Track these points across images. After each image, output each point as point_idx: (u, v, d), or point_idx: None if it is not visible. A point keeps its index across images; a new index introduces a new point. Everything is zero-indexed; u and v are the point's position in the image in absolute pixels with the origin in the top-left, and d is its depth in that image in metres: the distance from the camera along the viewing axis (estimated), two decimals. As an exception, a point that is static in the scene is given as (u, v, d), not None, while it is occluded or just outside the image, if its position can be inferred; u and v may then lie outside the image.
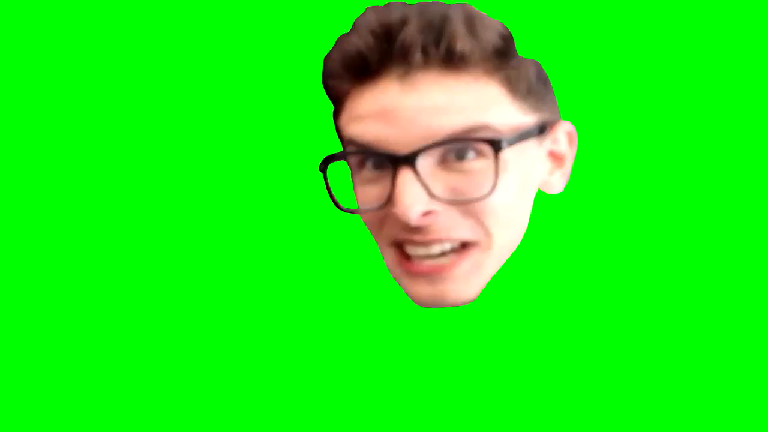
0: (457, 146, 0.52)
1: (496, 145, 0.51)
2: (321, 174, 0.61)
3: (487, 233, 0.55)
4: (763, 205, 0.68)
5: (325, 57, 0.58)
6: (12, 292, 0.78)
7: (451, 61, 0.51)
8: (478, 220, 0.54)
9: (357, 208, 0.58)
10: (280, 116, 0.78)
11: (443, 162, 0.53)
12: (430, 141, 0.51)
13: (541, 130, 0.56)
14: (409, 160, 0.51)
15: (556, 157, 0.60)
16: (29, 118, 0.83)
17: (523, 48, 0.56)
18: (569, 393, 0.60)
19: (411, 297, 0.58)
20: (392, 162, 0.52)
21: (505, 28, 0.54)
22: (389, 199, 0.53)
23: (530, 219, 0.60)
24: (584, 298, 0.63)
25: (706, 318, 0.62)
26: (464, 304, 0.57)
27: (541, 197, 0.63)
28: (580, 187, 0.68)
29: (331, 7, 0.72)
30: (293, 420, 0.64)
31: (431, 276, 0.56)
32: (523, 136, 0.53)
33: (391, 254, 0.59)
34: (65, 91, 0.82)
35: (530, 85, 0.55)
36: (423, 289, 0.57)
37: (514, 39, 0.55)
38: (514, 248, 0.59)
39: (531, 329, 0.61)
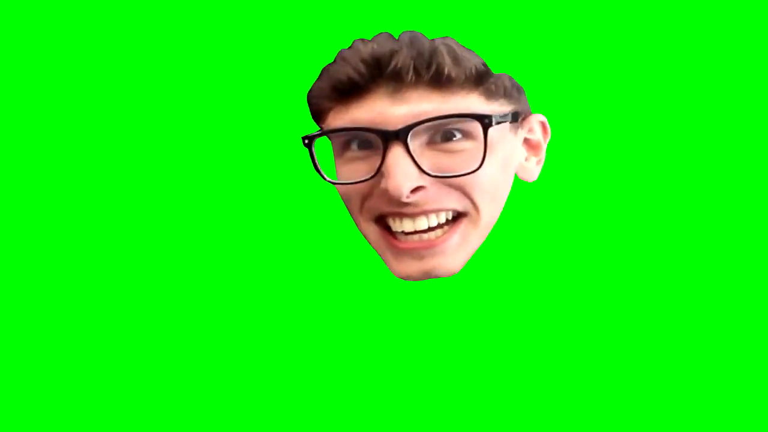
0: (444, 127, 0.57)
1: (485, 120, 0.55)
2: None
3: (475, 206, 0.59)
4: (743, 188, 0.70)
5: (311, 89, 0.61)
6: (12, 292, 0.78)
7: (439, 81, 0.56)
8: (465, 193, 0.58)
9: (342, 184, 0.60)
10: (280, 116, 0.78)
11: (430, 143, 0.58)
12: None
13: (515, 117, 0.61)
14: (399, 135, 0.55)
15: (531, 146, 0.65)
16: (29, 119, 0.83)
17: (499, 61, 0.60)
18: (549, 367, 0.64)
19: (396, 273, 0.61)
20: (384, 138, 0.56)
21: (481, 59, 0.58)
22: (378, 174, 0.57)
23: (508, 209, 0.65)
24: (562, 280, 0.67)
25: (686, 302, 0.66)
26: (450, 275, 0.61)
27: (519, 187, 0.67)
28: (555, 179, 0.71)
29: (330, 6, 0.74)
30: (284, 401, 0.66)
31: (419, 251, 0.60)
32: (504, 117, 0.58)
33: (373, 230, 0.62)
34: (65, 92, 0.82)
35: (506, 91, 0.60)
36: (410, 266, 0.60)
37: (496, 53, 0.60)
38: (492, 226, 0.63)
39: (510, 299, 0.65)
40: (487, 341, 0.65)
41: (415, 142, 0.57)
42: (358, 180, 0.59)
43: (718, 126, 0.72)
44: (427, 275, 0.61)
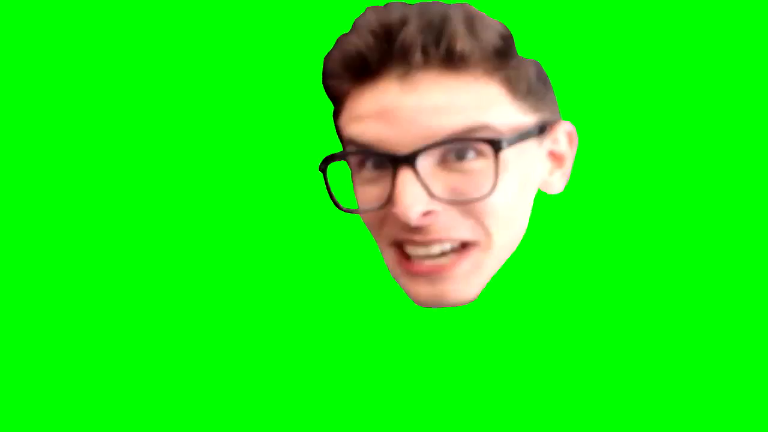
0: (457, 146, 0.52)
1: (496, 145, 0.51)
2: (321, 174, 0.61)
3: (487, 233, 0.55)
4: (764, 205, 0.68)
5: (325, 57, 0.58)
6: (12, 292, 0.78)
7: (451, 61, 0.51)
8: (478, 220, 0.54)
9: (357, 207, 0.58)
10: (281, 116, 0.78)
11: (443, 162, 0.53)
12: (430, 141, 0.51)
13: (541, 130, 0.56)
14: (409, 160, 0.51)
15: (556, 157, 0.60)
16: (30, 119, 0.83)
17: (523, 48, 0.56)
18: (568, 393, 0.60)
19: (411, 297, 0.58)
20: (392, 162, 0.52)
21: (505, 28, 0.54)
22: (389, 199, 0.53)
23: (530, 219, 0.60)
24: (583, 299, 0.63)
25: (705, 319, 0.62)
26: (464, 304, 0.57)
27: (541, 197, 0.63)
28: (581, 187, 0.68)
29: (331, 7, 0.72)
30: (292, 420, 0.64)
31: (431, 276, 0.56)
32: (523, 136, 0.53)
33: (391, 254, 0.59)
34: (65, 92, 0.82)
35: (530, 84, 0.55)
36: (423, 289, 0.57)
37: (514, 39, 0.55)
38: (514, 248, 0.59)
39: (530, 330, 0.61)
40: (501, 371, 0.61)
41: (426, 161, 0.53)
42: (372, 208, 0.56)
43: (728, 127, 0.68)
44: (439, 300, 0.57)
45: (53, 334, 0.75)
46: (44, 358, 0.74)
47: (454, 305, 0.57)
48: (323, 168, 0.57)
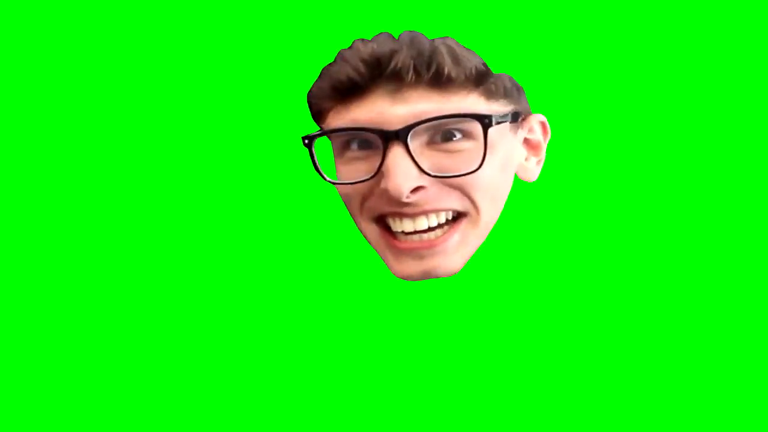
0: (445, 127, 0.57)
1: (485, 120, 0.55)
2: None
3: (475, 206, 0.59)
4: (742, 187, 0.70)
5: (311, 89, 0.60)
6: (11, 292, 0.78)
7: (439, 81, 0.56)
8: (465, 193, 0.58)
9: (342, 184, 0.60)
10: (280, 116, 0.78)
11: (430, 143, 0.58)
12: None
13: (515, 117, 0.61)
14: (400, 135, 0.55)
15: (531, 146, 0.65)
16: (30, 119, 0.83)
17: (499, 61, 0.60)
18: (548, 365, 0.63)
19: (395, 273, 0.61)
20: (384, 138, 0.56)
21: (481, 59, 0.58)
22: (378, 174, 0.57)
23: (510, 207, 0.65)
24: (561, 278, 0.67)
25: (680, 295, 0.66)
26: (450, 275, 0.61)
27: (521, 188, 0.67)
28: (555, 178, 0.71)
29: (330, 6, 0.74)
30: (282, 399, 0.66)
31: (419, 251, 0.60)
32: (504, 117, 0.58)
33: (373, 230, 0.62)
34: (65, 92, 0.82)
35: (506, 91, 0.60)
36: (410, 266, 0.60)
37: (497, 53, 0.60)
38: (492, 226, 0.63)
39: (509, 298, 0.65)
40: (487, 341, 0.65)
41: (415, 142, 0.57)
42: (358, 180, 0.59)
43: (718, 125, 0.72)
44: (427, 275, 0.61)
45: (53, 334, 0.75)
46: (44, 357, 0.74)
47: (439, 277, 0.61)
48: (309, 143, 0.59)
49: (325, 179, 0.60)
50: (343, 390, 0.66)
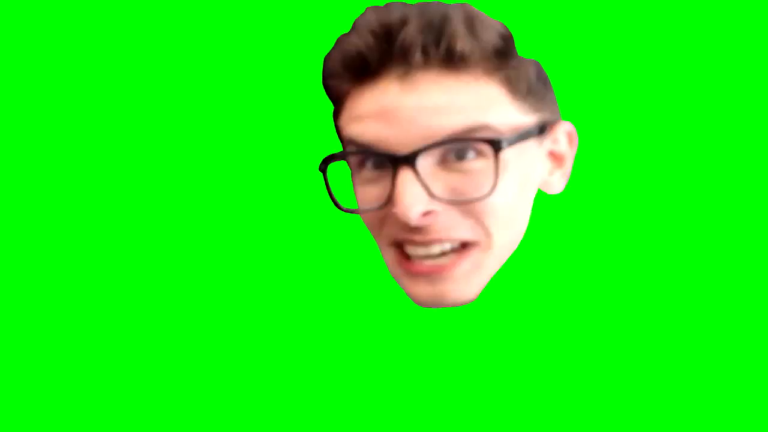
0: (456, 146, 0.52)
1: (496, 145, 0.51)
2: (321, 174, 0.61)
3: (487, 233, 0.55)
4: (764, 206, 0.68)
5: (325, 57, 0.58)
6: (12, 292, 0.78)
7: (451, 61, 0.51)
8: (478, 220, 0.54)
9: (357, 207, 0.58)
10: (281, 116, 0.78)
11: (443, 162, 0.53)
12: (430, 141, 0.51)
13: (541, 130, 0.56)
14: (409, 160, 0.51)
15: (556, 157, 0.60)
16: (30, 119, 0.83)
17: (523, 48, 0.56)
18: (568, 394, 0.60)
19: (411, 297, 0.58)
20: (392, 162, 0.52)
21: (505, 28, 0.54)
22: (389, 199, 0.53)
23: (530, 219, 0.60)
24: (584, 299, 0.63)
25: (705, 319, 0.62)
26: (464, 304, 0.57)
27: (541, 197, 0.63)
28: (581, 187, 0.68)
29: (331, 6, 0.72)
30: (292, 421, 0.64)
31: (431, 276, 0.56)
32: (522, 136, 0.53)
33: (391, 254, 0.59)
34: (65, 92, 0.82)
35: (530, 84, 0.55)
36: (423, 289, 0.57)
37: (514, 39, 0.55)
38: (514, 248, 0.59)
39: (530, 330, 0.61)
40: (502, 370, 0.61)
41: (426, 161, 0.53)
42: (372, 208, 0.56)
43: (728, 127, 0.68)
44: (439, 300, 0.57)
45: (53, 334, 0.75)
46: (44, 358, 0.74)
47: (453, 305, 0.57)
48: (323, 168, 0.57)
49: (340, 209, 0.58)
50: (352, 412, 0.64)
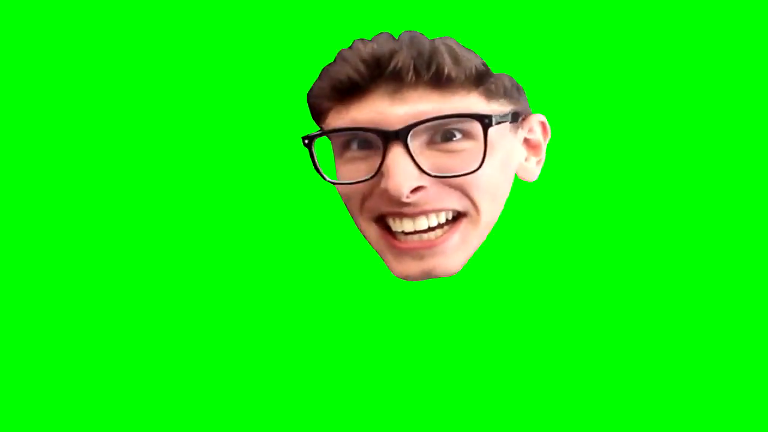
0: (445, 127, 0.57)
1: (485, 121, 0.55)
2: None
3: (475, 206, 0.59)
4: (742, 187, 0.70)
5: (311, 88, 0.61)
6: (12, 292, 0.78)
7: (439, 81, 0.56)
8: (465, 193, 0.58)
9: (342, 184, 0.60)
10: (281, 116, 0.78)
11: (430, 143, 0.58)
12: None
13: (515, 117, 0.61)
14: (400, 135, 0.55)
15: (531, 145, 0.65)
16: (30, 119, 0.82)
17: (499, 61, 0.60)
18: (548, 366, 0.63)
19: (396, 273, 0.61)
20: (384, 138, 0.56)
21: (481, 59, 0.58)
22: (378, 174, 0.57)
23: (508, 207, 0.65)
24: (558, 277, 0.67)
25: (680, 295, 0.66)
26: (450, 275, 0.61)
27: (519, 188, 0.67)
28: (554, 178, 0.71)
29: (330, 6, 0.74)
30: (282, 399, 0.66)
31: (419, 251, 0.60)
32: (504, 117, 0.58)
33: (374, 230, 0.62)
34: (65, 92, 0.82)
35: (506, 91, 0.60)
36: (410, 266, 0.60)
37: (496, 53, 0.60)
38: (492, 226, 0.63)
39: (508, 298, 0.65)
40: (487, 341, 0.65)
41: (415, 142, 0.57)
42: (358, 180, 0.59)
43: (718, 125, 0.72)
44: (427, 275, 0.60)
45: (53, 334, 0.75)
46: (43, 358, 0.73)
47: (439, 277, 0.61)
48: (309, 143, 0.59)
49: (325, 179, 0.60)
50: (342, 389, 0.66)
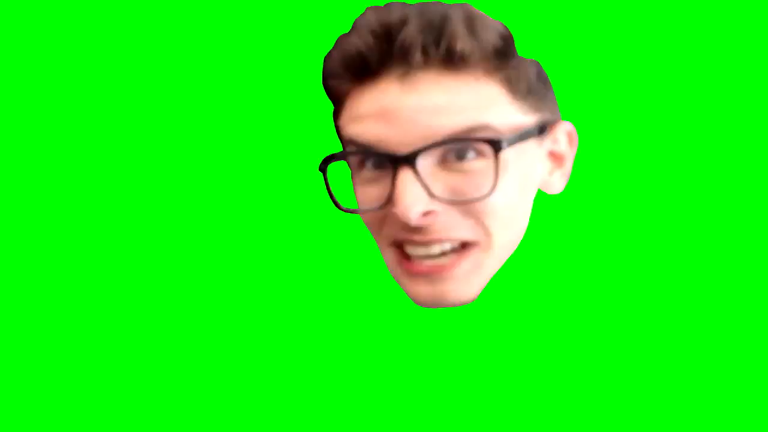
0: (457, 146, 0.52)
1: (496, 145, 0.51)
2: (321, 174, 0.61)
3: (487, 233, 0.55)
4: (764, 206, 0.68)
5: (325, 57, 0.58)
6: (12, 292, 0.78)
7: (451, 61, 0.51)
8: (478, 220, 0.54)
9: (357, 207, 0.58)
10: (281, 116, 0.78)
11: (443, 162, 0.53)
12: (430, 141, 0.51)
13: (541, 130, 0.56)
14: (409, 160, 0.51)
15: (556, 157, 0.60)
16: (30, 119, 0.83)
17: (523, 48, 0.56)
18: (568, 394, 0.60)
19: (411, 297, 0.58)
20: (392, 162, 0.52)
21: (505, 28, 0.54)
22: (389, 199, 0.53)
23: (531, 219, 0.60)
24: (584, 299, 0.63)
25: (706, 320, 0.62)
26: (464, 304, 0.57)
27: (541, 197, 0.63)
28: (581, 187, 0.68)
29: (331, 7, 0.72)
30: (292, 421, 0.65)
31: (431, 276, 0.56)
32: (523, 136, 0.53)
33: (391, 254, 0.59)
34: (65, 92, 0.83)
35: (530, 84, 0.55)
36: (423, 289, 0.57)
37: (514, 39, 0.55)
38: (514, 248, 0.59)
39: (530, 330, 0.61)
40: (503, 370, 0.62)
41: (426, 161, 0.53)
42: (372, 208, 0.56)
43: (727, 128, 0.69)
44: (439, 300, 0.57)
45: (53, 334, 0.75)
46: (43, 358, 0.74)
47: (453, 305, 0.57)
48: (323, 168, 0.57)
49: (340, 209, 0.58)
50: (350, 411, 0.64)
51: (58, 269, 0.79)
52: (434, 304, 0.57)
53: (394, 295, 0.66)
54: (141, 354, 0.72)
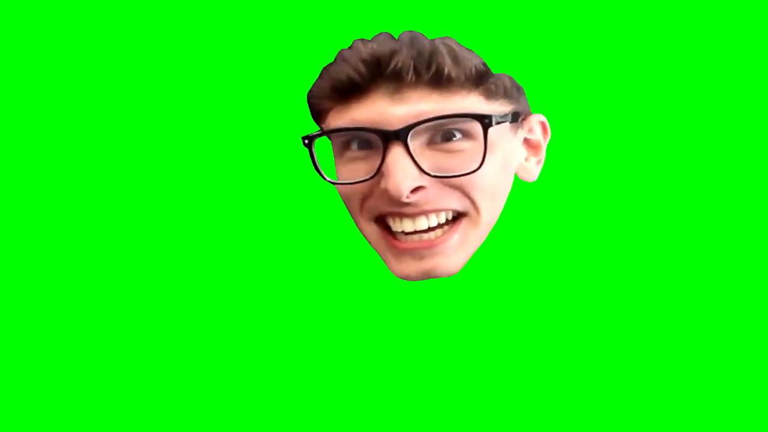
0: (445, 127, 0.57)
1: (485, 120, 0.55)
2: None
3: (475, 206, 0.59)
4: (742, 187, 0.70)
5: (311, 88, 0.61)
6: (12, 292, 0.78)
7: (439, 81, 0.56)
8: (465, 193, 0.58)
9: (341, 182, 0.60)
10: (281, 116, 0.78)
11: (430, 143, 0.58)
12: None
13: (515, 117, 0.61)
14: (399, 135, 0.55)
15: (531, 145, 0.65)
16: (30, 119, 0.82)
17: (501, 60, 0.60)
18: (548, 364, 0.64)
19: (396, 273, 0.61)
20: (384, 138, 0.56)
21: (481, 59, 0.58)
22: (378, 174, 0.57)
23: (508, 207, 0.65)
24: (555, 273, 0.67)
25: (674, 284, 0.66)
26: (450, 275, 0.61)
27: (522, 189, 0.67)
28: (557, 179, 0.71)
29: (331, 6, 0.74)
30: (283, 401, 0.66)
31: (419, 251, 0.60)
32: (504, 117, 0.58)
33: (373, 229, 0.62)
34: (65, 92, 0.82)
35: (506, 91, 0.60)
36: (410, 266, 0.60)
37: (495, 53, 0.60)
38: (492, 226, 0.63)
39: (508, 297, 0.65)
40: (487, 341, 0.65)
41: (415, 142, 0.57)
42: (358, 180, 0.59)
43: (718, 126, 0.72)
44: (427, 275, 0.61)
45: (53, 334, 0.75)
46: (43, 358, 0.73)
47: (441, 277, 0.61)
48: (309, 143, 0.59)
49: (325, 179, 0.60)
50: (342, 389, 0.66)
51: (57, 269, 0.79)
52: (421, 278, 0.61)
53: (377, 269, 0.68)
54: (138, 350, 0.72)
